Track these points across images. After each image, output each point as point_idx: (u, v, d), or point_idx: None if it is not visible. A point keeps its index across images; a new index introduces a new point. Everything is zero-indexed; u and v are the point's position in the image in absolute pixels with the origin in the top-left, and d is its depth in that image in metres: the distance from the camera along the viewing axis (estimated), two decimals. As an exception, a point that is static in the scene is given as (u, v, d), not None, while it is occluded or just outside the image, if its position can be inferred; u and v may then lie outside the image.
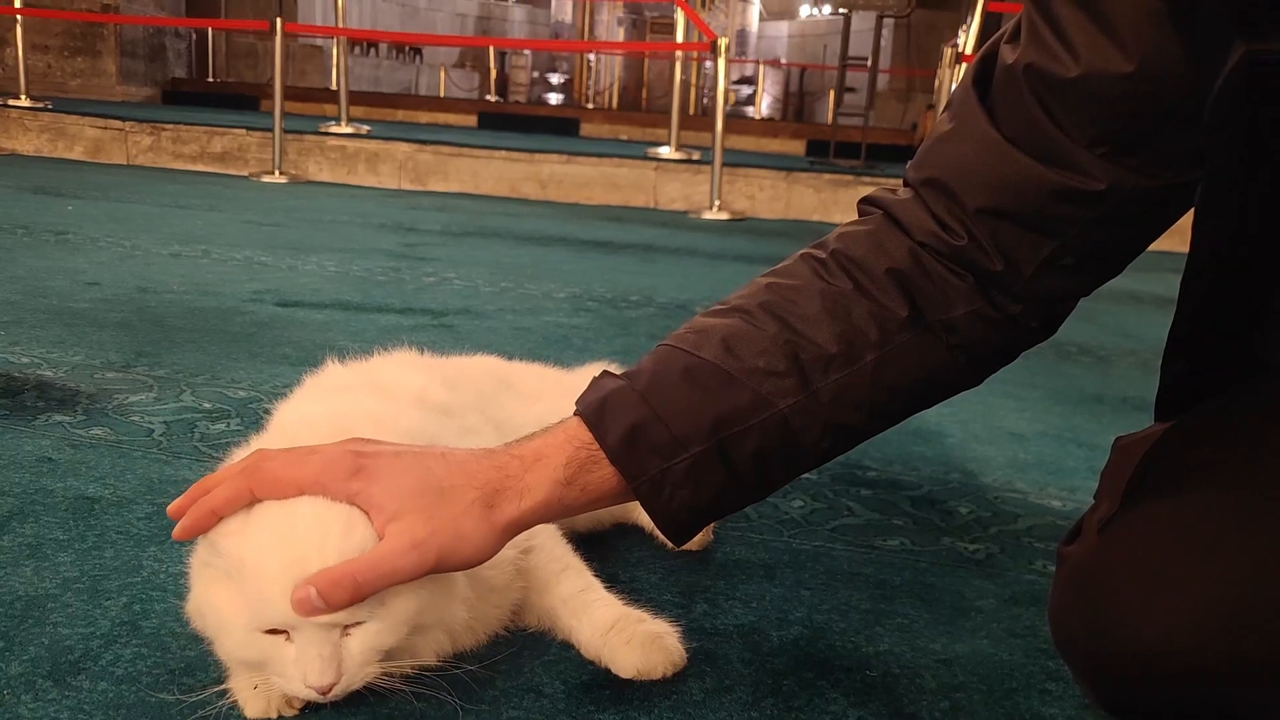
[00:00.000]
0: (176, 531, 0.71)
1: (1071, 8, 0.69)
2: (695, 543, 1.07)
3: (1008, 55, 0.73)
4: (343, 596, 0.66)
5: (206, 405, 1.50)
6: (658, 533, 1.08)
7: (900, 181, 0.83)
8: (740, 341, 0.76)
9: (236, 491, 0.70)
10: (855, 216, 0.84)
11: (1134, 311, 3.08)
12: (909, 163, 0.81)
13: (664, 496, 0.75)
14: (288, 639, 0.69)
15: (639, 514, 1.11)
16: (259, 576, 0.68)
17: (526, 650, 0.86)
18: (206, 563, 0.71)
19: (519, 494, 0.72)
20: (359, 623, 0.70)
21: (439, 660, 0.77)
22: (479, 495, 0.70)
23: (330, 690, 0.69)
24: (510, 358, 1.27)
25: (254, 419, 1.44)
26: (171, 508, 0.72)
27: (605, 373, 0.79)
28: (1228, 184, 0.79)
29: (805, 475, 1.34)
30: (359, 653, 0.70)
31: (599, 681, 0.82)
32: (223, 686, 0.75)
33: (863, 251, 0.77)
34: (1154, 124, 0.70)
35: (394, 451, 0.72)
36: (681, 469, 0.74)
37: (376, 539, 0.69)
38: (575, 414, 0.76)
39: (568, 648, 0.86)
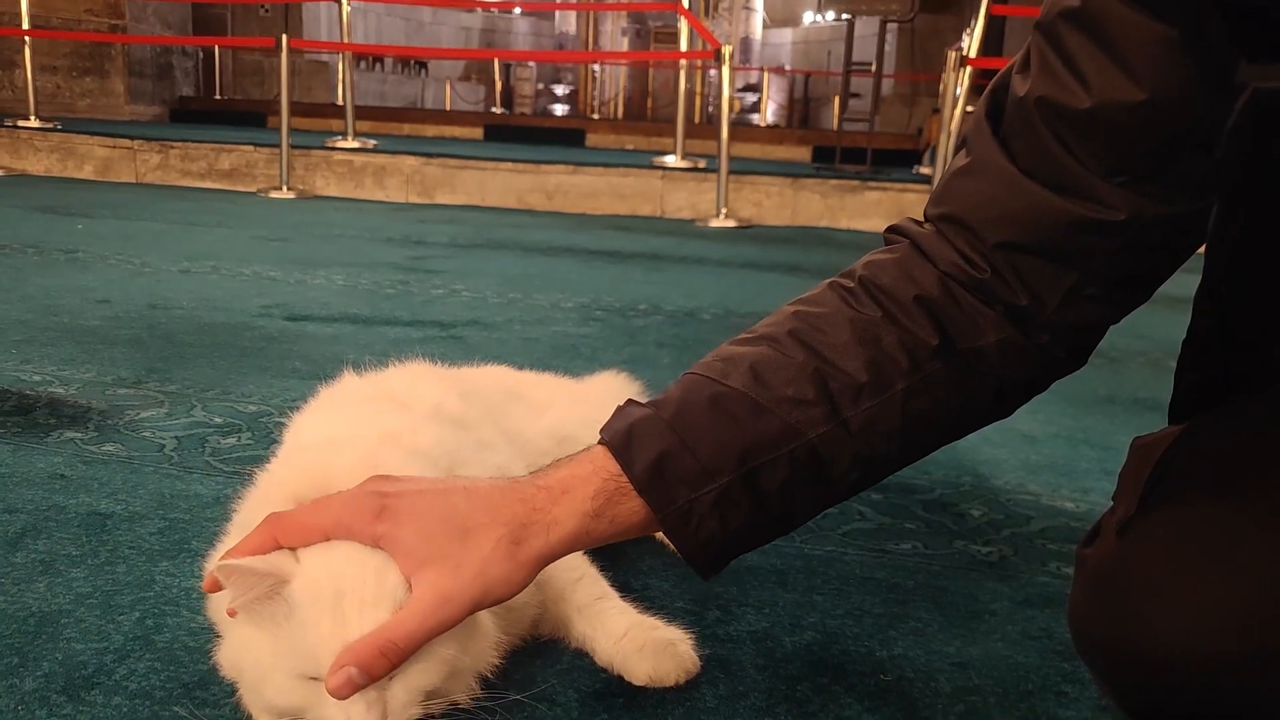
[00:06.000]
0: (206, 583, 0.71)
1: (1081, 37, 0.68)
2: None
3: (1019, 87, 0.72)
4: (383, 666, 0.65)
5: (217, 420, 1.50)
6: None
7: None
8: (768, 370, 0.75)
9: (259, 543, 0.69)
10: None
11: (1145, 311, 3.05)
12: (928, 199, 0.80)
13: (691, 528, 0.74)
14: None
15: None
16: (304, 628, 0.67)
17: (540, 658, 0.86)
18: (248, 609, 0.69)
19: (546, 528, 0.71)
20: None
21: (470, 700, 0.75)
22: (506, 532, 0.69)
23: None
24: (519, 368, 1.27)
25: (265, 433, 1.44)
26: (206, 584, 0.71)
27: (630, 401, 0.78)
28: (1239, 209, 0.80)
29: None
30: (403, 693, 0.68)
31: (612, 689, 0.82)
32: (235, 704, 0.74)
33: (891, 280, 0.76)
34: (1170, 151, 0.69)
35: (416, 490, 0.70)
36: (709, 499, 0.73)
37: (405, 583, 0.68)
38: (600, 443, 0.75)
39: (581, 655, 0.85)
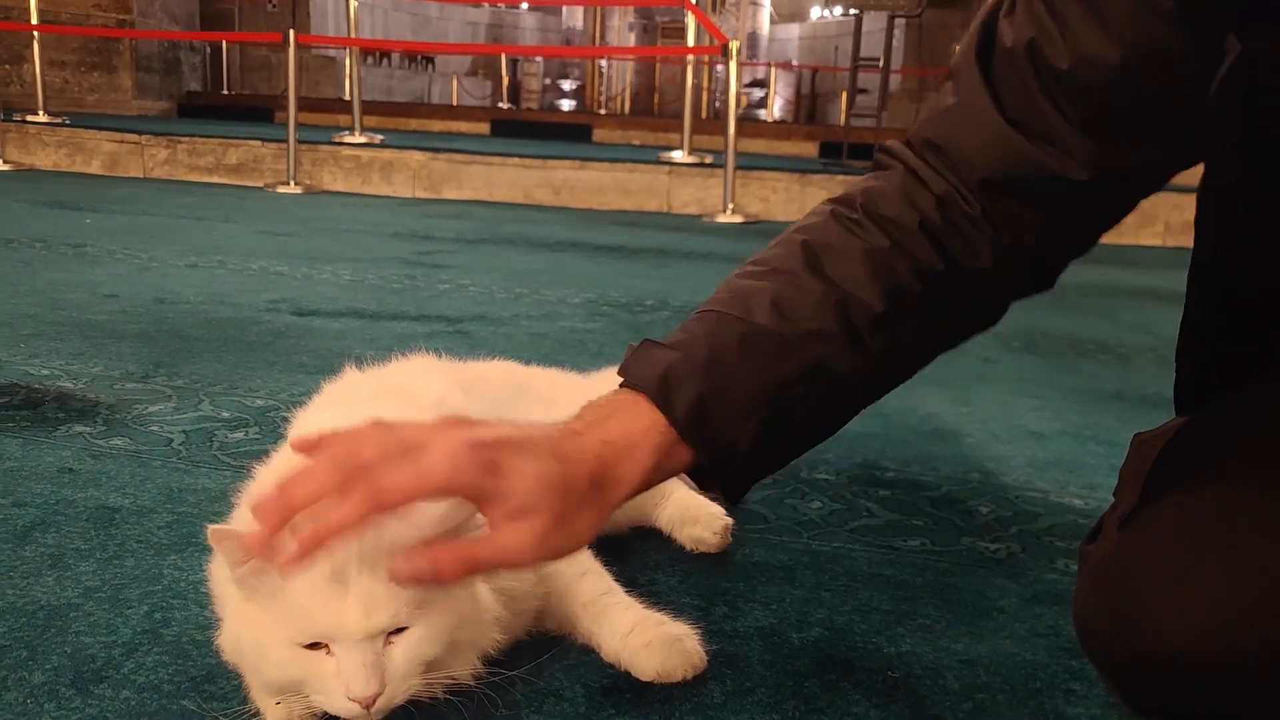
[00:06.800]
0: (287, 562, 0.64)
1: None
2: (714, 545, 1.07)
3: (1006, 33, 0.74)
4: (454, 573, 0.66)
5: (225, 414, 1.51)
6: (676, 536, 1.09)
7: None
8: (790, 305, 0.76)
9: (359, 514, 0.64)
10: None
11: (1153, 307, 3.06)
12: (917, 125, 0.82)
13: (733, 465, 0.77)
14: (328, 653, 0.68)
15: (657, 516, 1.11)
16: (299, 588, 0.67)
17: (547, 654, 0.86)
18: (244, 593, 0.69)
19: (616, 484, 0.72)
20: (401, 630, 0.69)
21: (474, 681, 0.76)
22: (588, 490, 0.71)
23: (374, 703, 0.67)
24: (526, 363, 1.27)
25: (272, 427, 1.44)
26: (252, 540, 0.65)
27: (649, 342, 0.78)
28: (1228, 186, 0.81)
29: (824, 476, 1.35)
30: (401, 663, 0.68)
31: (619, 685, 0.82)
32: (250, 708, 0.74)
33: (895, 210, 0.78)
34: (1147, 107, 0.71)
35: (511, 441, 0.69)
36: (748, 437, 0.75)
37: (408, 540, 0.67)
38: (629, 386, 0.75)
39: (588, 651, 0.85)
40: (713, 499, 1.10)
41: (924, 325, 0.79)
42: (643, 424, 0.74)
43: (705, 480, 0.80)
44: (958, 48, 0.79)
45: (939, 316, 0.79)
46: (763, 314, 0.76)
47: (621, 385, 0.76)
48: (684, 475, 0.79)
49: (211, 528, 0.67)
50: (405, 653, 0.69)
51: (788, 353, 0.75)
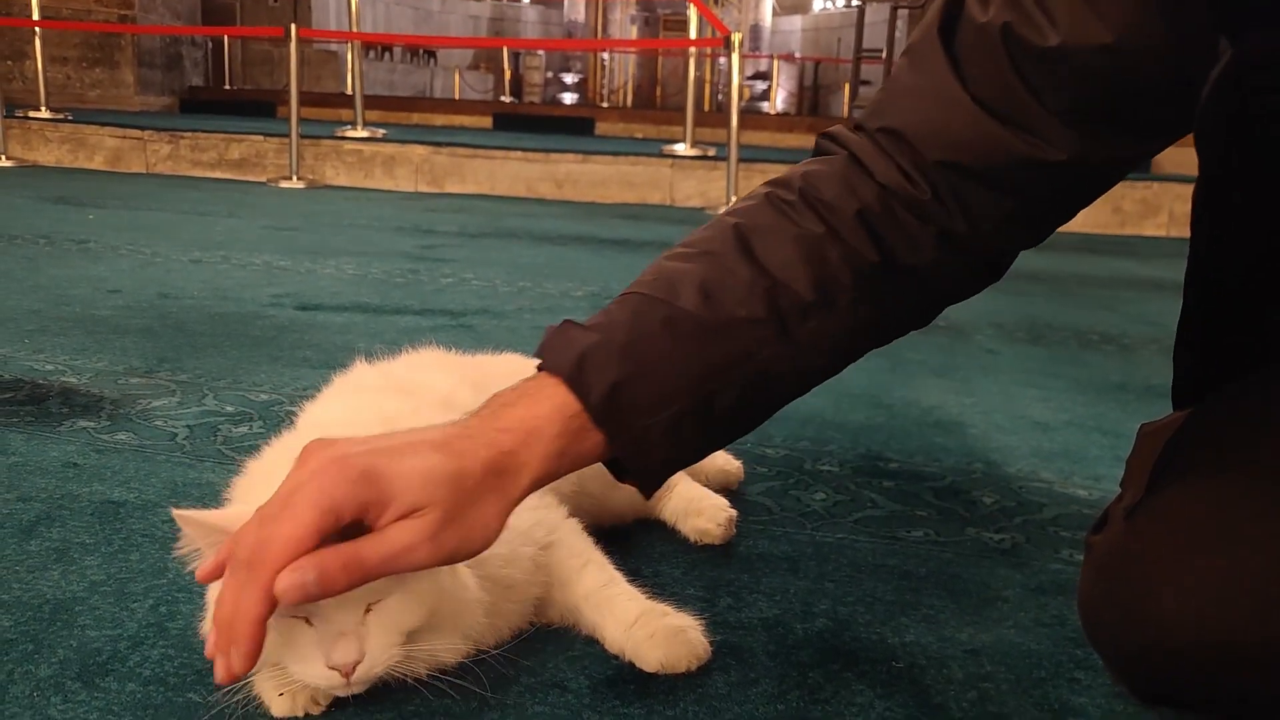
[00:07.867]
0: (221, 677, 0.62)
1: None
2: (718, 536, 1.07)
3: (977, 12, 0.71)
4: (342, 582, 0.61)
5: (229, 409, 1.51)
6: (680, 528, 1.09)
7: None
8: (718, 289, 0.73)
9: (261, 594, 0.61)
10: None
11: (1155, 298, 3.05)
12: (865, 109, 0.79)
13: (646, 453, 0.73)
14: (308, 623, 0.68)
15: (661, 508, 1.11)
16: None
17: (550, 645, 0.86)
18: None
19: (517, 473, 0.69)
20: (379, 600, 0.68)
21: (455, 658, 0.76)
22: (483, 479, 0.67)
23: (353, 671, 0.67)
24: (530, 356, 1.27)
25: (276, 421, 1.44)
26: (210, 650, 0.64)
27: (569, 323, 0.75)
28: (1222, 179, 0.81)
29: (827, 468, 1.35)
30: (380, 631, 0.68)
31: (623, 676, 0.82)
32: (248, 690, 0.75)
33: (833, 194, 0.75)
34: (1129, 97, 0.69)
35: (389, 448, 0.66)
36: (663, 426, 0.72)
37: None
38: (545, 370, 0.73)
39: (592, 643, 0.85)
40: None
41: (854, 317, 0.76)
42: (545, 409, 0.70)
43: (619, 472, 0.76)
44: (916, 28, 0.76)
45: (870, 310, 0.76)
46: (689, 298, 0.73)
47: (538, 368, 0.73)
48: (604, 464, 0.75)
49: (175, 511, 0.69)
50: (383, 620, 0.69)
51: (713, 339, 0.72)
